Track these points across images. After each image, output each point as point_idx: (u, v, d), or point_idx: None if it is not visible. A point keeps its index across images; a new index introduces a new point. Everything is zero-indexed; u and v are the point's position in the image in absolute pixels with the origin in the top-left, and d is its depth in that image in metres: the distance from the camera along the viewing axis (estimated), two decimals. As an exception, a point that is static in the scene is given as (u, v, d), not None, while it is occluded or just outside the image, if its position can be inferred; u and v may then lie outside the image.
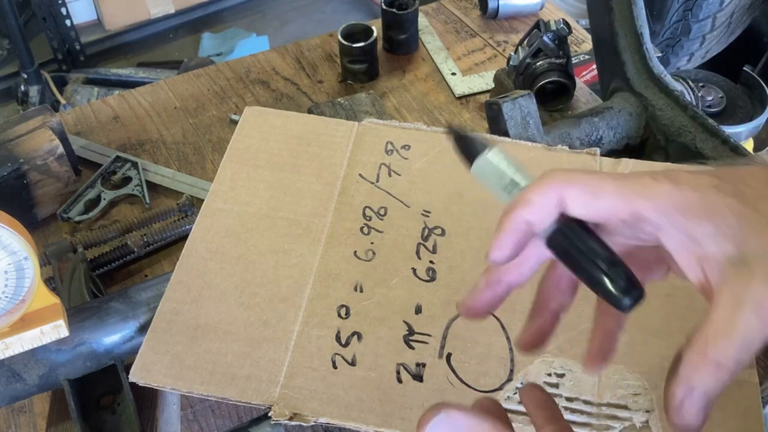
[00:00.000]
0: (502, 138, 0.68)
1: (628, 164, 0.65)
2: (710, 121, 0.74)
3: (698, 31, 1.60)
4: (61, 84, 2.25)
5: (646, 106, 0.80)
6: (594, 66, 1.07)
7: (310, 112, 0.91)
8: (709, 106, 1.32)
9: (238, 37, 2.55)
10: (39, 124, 0.81)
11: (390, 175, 0.66)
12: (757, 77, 1.36)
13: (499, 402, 0.36)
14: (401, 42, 1.06)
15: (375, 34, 1.00)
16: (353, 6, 2.76)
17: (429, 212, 0.63)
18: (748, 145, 1.42)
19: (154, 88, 1.03)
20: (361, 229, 0.62)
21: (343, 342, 0.54)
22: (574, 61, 1.07)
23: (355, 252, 0.60)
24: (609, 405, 0.50)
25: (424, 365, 0.53)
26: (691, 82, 1.21)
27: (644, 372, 0.52)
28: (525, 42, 0.94)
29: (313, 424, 0.51)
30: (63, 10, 2.31)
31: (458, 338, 0.54)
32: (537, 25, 0.91)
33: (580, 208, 0.33)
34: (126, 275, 0.79)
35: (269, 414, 0.51)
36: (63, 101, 2.16)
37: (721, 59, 1.72)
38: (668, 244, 0.32)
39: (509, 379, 0.52)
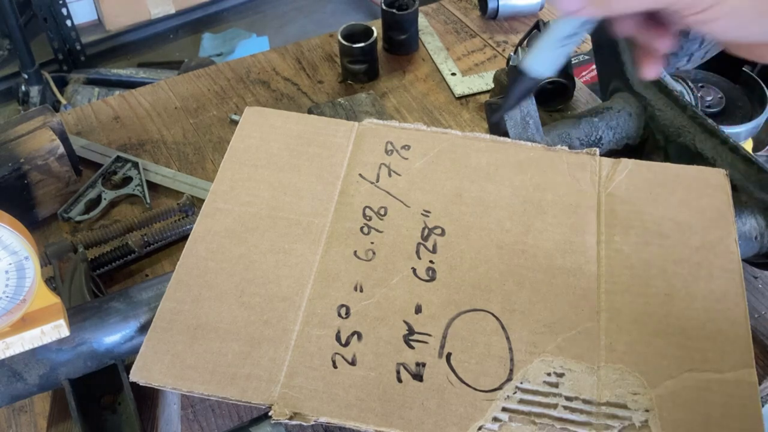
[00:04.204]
0: (503, 138, 0.68)
1: (627, 164, 0.65)
2: (710, 121, 0.75)
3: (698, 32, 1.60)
4: (62, 84, 2.25)
5: (645, 106, 0.80)
6: (594, 66, 1.08)
7: (310, 112, 0.92)
8: (708, 107, 1.32)
9: (238, 37, 2.55)
10: (40, 124, 0.81)
11: (390, 175, 0.66)
12: (757, 77, 1.36)
13: None
14: (401, 42, 1.06)
15: (375, 34, 1.00)
16: (353, 6, 2.77)
17: (429, 212, 0.63)
18: (748, 145, 1.41)
19: (154, 89, 1.04)
20: (361, 229, 0.62)
21: (343, 341, 0.55)
22: (573, 61, 1.07)
23: (355, 252, 0.60)
24: (608, 404, 0.51)
25: (424, 365, 0.53)
26: (690, 83, 1.21)
27: (644, 371, 0.52)
28: (525, 42, 0.94)
29: (314, 423, 0.51)
30: (63, 11, 2.31)
31: (458, 338, 0.55)
32: (537, 26, 0.92)
33: None
34: (126, 275, 0.79)
35: (269, 413, 0.51)
36: (64, 101, 2.16)
37: (720, 59, 1.72)
38: None
39: (509, 379, 0.52)
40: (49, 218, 0.84)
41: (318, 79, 1.04)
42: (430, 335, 0.55)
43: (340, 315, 0.56)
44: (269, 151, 0.68)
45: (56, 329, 0.50)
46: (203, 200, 0.64)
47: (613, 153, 0.81)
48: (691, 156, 0.74)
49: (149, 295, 0.60)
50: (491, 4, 1.12)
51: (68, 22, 2.33)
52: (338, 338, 0.55)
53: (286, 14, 2.75)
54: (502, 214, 0.62)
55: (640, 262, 0.58)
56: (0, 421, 0.66)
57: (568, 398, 0.51)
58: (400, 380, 0.52)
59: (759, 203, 0.67)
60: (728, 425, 0.49)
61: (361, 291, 0.58)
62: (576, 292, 0.57)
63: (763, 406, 0.55)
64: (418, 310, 0.56)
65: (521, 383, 0.52)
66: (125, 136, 0.96)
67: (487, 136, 0.69)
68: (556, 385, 0.52)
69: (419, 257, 0.60)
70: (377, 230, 0.62)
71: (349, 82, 1.03)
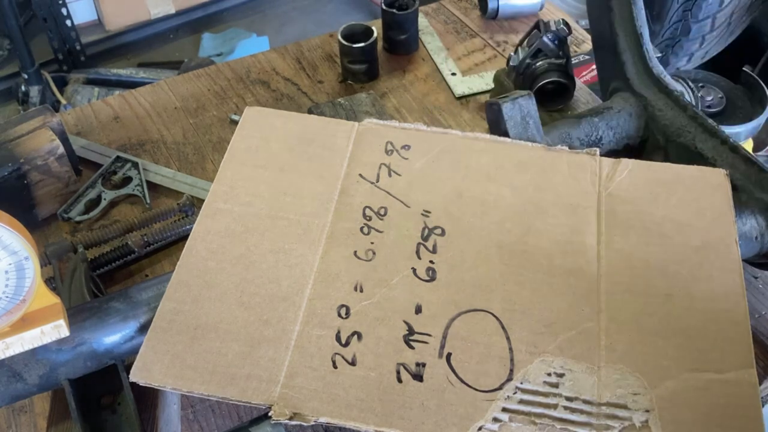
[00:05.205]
0: (503, 138, 0.68)
1: (627, 164, 0.65)
2: (710, 121, 0.75)
3: (698, 32, 1.60)
4: (62, 84, 2.25)
5: (645, 106, 0.80)
6: (594, 66, 1.07)
7: (310, 112, 0.92)
8: (708, 107, 1.32)
9: (238, 37, 2.55)
10: (39, 124, 0.81)
11: (390, 175, 0.66)
12: (757, 77, 1.36)
13: None
14: (401, 42, 1.06)
15: (375, 34, 1.00)
16: (353, 6, 2.76)
17: (429, 212, 0.63)
18: (748, 145, 1.41)
19: (154, 89, 1.04)
20: (361, 229, 0.62)
21: (343, 342, 0.55)
22: (574, 61, 1.07)
23: (355, 252, 0.60)
24: (609, 404, 0.50)
25: (424, 365, 0.53)
26: (690, 83, 1.21)
27: (644, 372, 0.52)
28: (525, 42, 0.94)
29: (313, 423, 0.51)
30: (63, 11, 2.31)
31: (458, 338, 0.54)
32: (537, 26, 0.91)
33: None
34: (126, 275, 0.79)
35: (269, 413, 0.51)
36: (63, 101, 2.16)
37: (720, 59, 1.72)
38: None
39: (509, 379, 0.52)
40: (49, 218, 0.84)
41: (318, 79, 1.04)
42: (430, 335, 0.55)
43: (340, 315, 0.56)
44: (269, 151, 0.68)
45: (56, 329, 0.50)
46: (203, 200, 0.64)
47: (613, 153, 0.81)
48: (691, 156, 0.74)
49: (149, 295, 0.60)
50: (491, 4, 1.12)
51: (68, 22, 2.33)
52: (338, 338, 0.55)
53: (286, 14, 2.75)
54: (503, 214, 0.62)
55: (641, 262, 0.58)
56: (0, 421, 0.66)
57: (568, 398, 0.51)
58: (400, 380, 0.52)
59: (759, 203, 0.67)
60: (728, 425, 0.49)
61: (361, 291, 0.58)
62: (576, 292, 0.57)
63: (763, 406, 0.55)
64: (418, 310, 0.56)
65: (521, 383, 0.52)
66: (125, 136, 0.96)
67: (488, 136, 0.69)
68: (556, 386, 0.52)
69: (419, 257, 0.60)
70: (377, 230, 0.62)
71: (349, 82, 1.03)
